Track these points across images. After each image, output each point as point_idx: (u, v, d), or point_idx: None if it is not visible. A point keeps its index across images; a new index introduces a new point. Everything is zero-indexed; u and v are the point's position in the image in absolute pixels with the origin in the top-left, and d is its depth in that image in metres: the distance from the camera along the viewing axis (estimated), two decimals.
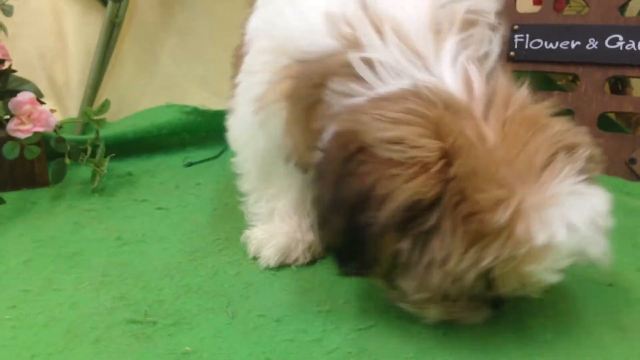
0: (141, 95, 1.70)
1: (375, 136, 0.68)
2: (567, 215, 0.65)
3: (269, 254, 0.97)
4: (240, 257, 1.01)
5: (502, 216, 0.64)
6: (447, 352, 0.75)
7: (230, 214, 1.17)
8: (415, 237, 0.68)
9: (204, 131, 1.57)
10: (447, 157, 0.66)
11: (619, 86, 1.47)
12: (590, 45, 1.35)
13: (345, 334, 0.79)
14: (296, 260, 0.97)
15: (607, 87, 1.47)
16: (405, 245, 0.68)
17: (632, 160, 1.31)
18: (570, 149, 0.69)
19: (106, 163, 1.31)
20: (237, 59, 1.02)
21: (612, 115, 1.46)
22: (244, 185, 1.04)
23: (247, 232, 1.02)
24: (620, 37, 1.33)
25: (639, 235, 1.05)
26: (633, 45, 1.32)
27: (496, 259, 0.65)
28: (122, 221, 1.17)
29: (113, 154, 1.36)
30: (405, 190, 0.65)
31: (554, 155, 0.68)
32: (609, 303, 0.86)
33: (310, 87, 0.78)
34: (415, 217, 0.67)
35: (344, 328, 0.80)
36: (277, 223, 1.00)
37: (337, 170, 0.70)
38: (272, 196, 1.01)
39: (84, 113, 1.26)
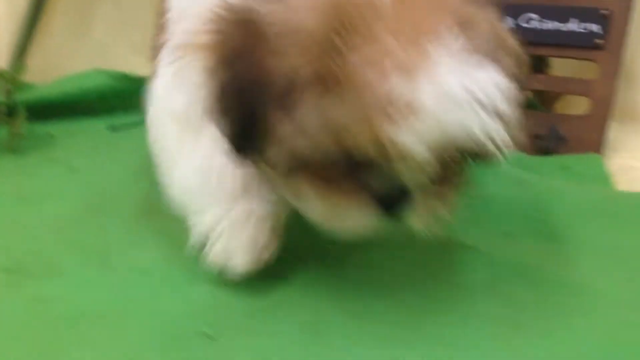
0: (72, 61, 1.70)
1: (260, 15, 0.67)
2: (441, 81, 0.61)
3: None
4: (129, 216, 1.03)
5: (368, 74, 0.61)
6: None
7: (138, 176, 1.19)
8: (289, 108, 0.66)
9: (132, 97, 1.58)
10: (333, 30, 0.63)
11: (539, 65, 1.50)
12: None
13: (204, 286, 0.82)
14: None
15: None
16: (280, 116, 0.66)
17: (538, 136, 1.34)
18: (470, 25, 0.65)
19: (21, 123, 1.32)
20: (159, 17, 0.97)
21: (528, 93, 1.49)
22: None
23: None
24: (535, 17, 1.35)
25: (514, 203, 1.08)
26: (546, 24, 1.34)
27: (351, 115, 0.62)
28: (28, 179, 1.20)
29: (29, 116, 1.37)
30: (287, 65, 0.64)
31: (447, 27, 0.63)
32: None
33: None
34: (294, 89, 0.65)
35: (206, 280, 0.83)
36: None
37: (229, 56, 0.69)
38: None
39: None
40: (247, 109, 0.68)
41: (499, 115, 0.63)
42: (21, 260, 0.88)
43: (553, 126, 1.33)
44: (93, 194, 1.13)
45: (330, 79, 0.63)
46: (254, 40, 0.67)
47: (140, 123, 1.55)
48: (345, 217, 0.71)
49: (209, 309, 0.78)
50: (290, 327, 0.75)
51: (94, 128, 1.52)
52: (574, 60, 1.40)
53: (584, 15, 1.32)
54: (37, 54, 1.69)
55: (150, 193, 1.10)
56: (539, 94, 1.48)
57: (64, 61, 1.70)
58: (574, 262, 0.91)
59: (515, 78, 0.66)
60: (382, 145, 0.62)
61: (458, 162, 0.68)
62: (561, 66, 1.48)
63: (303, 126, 0.64)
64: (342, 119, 0.62)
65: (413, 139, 0.61)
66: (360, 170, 0.68)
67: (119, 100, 1.59)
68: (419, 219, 0.71)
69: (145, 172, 1.17)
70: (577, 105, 1.39)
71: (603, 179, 1.22)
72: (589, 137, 1.31)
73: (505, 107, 0.63)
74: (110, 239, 0.95)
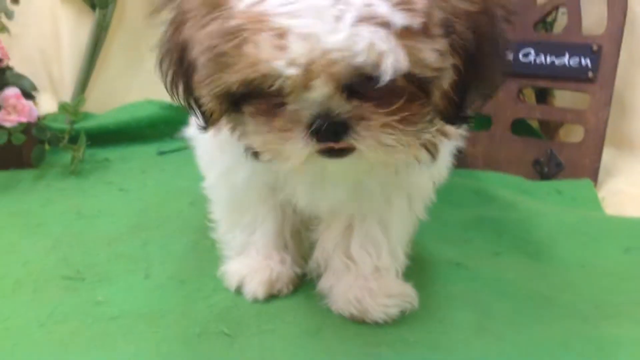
0: (126, 91, 1.92)
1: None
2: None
3: (254, 289, 0.95)
4: (170, 233, 1.20)
5: None
6: None
7: (178, 197, 1.37)
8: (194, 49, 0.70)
9: (178, 125, 1.78)
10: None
11: (543, 97, 1.62)
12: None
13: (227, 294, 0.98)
14: (280, 291, 0.97)
15: (532, 96, 1.62)
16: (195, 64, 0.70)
17: (537, 162, 1.46)
18: None
19: (83, 149, 1.53)
20: None
21: (534, 122, 1.62)
22: (214, 212, 1.03)
23: (225, 267, 1.00)
24: (532, 52, 1.48)
25: (505, 224, 1.22)
26: (543, 58, 1.47)
27: (215, 34, 0.65)
28: (86, 199, 1.39)
29: (89, 142, 1.58)
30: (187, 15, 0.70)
31: None
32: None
33: None
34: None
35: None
36: (255, 257, 0.99)
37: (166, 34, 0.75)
38: (246, 226, 0.99)
39: (61, 107, 1.49)
40: (181, 75, 0.74)
41: (380, 23, 0.60)
42: (79, 269, 1.07)
43: (552, 152, 1.46)
44: (139, 212, 1.31)
45: (207, 9, 0.66)
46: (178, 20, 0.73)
47: (184, 148, 1.76)
48: (284, 150, 0.71)
49: (229, 313, 0.93)
50: (296, 329, 0.89)
51: (145, 153, 1.72)
52: (574, 92, 1.52)
53: (577, 50, 1.45)
54: (95, 87, 1.91)
55: (187, 212, 1.29)
56: (542, 123, 1.60)
57: (118, 92, 1.92)
58: (547, 277, 1.04)
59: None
60: (260, 71, 0.63)
61: (384, 87, 0.65)
62: (563, 97, 1.60)
63: (199, 64, 0.68)
64: (220, 46, 0.64)
65: (282, 62, 0.61)
66: (283, 103, 0.68)
67: (167, 127, 1.78)
68: (366, 151, 0.69)
69: (185, 193, 1.35)
70: (577, 134, 1.51)
71: (593, 202, 1.34)
72: (583, 163, 1.43)
73: (389, 14, 0.60)
74: (152, 252, 1.13)
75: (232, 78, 0.65)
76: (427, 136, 0.74)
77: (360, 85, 0.66)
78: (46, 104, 1.77)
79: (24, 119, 1.44)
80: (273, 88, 0.65)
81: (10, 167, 1.53)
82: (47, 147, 1.51)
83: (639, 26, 1.52)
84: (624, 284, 1.01)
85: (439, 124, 0.74)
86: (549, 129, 1.59)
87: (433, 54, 0.64)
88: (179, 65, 0.74)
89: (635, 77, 1.53)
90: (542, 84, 1.53)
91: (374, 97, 0.67)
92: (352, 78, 0.64)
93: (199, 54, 0.68)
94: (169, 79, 0.77)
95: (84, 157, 1.57)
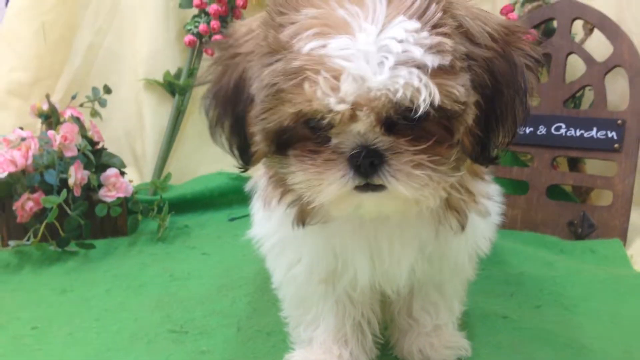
0: (200, 165, 2.16)
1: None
2: (355, 40, 0.70)
3: None
4: (252, 291, 1.39)
5: (295, 41, 0.72)
6: None
7: (253, 258, 1.56)
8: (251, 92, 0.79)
9: (245, 193, 2.00)
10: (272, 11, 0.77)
11: (576, 165, 1.80)
12: (540, 131, 1.70)
13: None
14: None
15: (565, 164, 1.80)
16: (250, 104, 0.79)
17: (571, 223, 1.63)
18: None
19: (168, 218, 1.76)
20: None
21: (568, 187, 1.79)
22: (284, 309, 1.09)
23: (287, 356, 1.06)
24: (563, 125, 1.67)
25: (544, 281, 1.39)
26: (573, 131, 1.66)
27: (278, 72, 0.73)
28: (175, 262, 1.61)
29: (172, 212, 1.81)
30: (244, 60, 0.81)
31: None
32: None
33: None
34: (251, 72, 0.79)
35: None
36: (315, 350, 1.03)
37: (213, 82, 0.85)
38: (310, 323, 1.04)
39: (152, 183, 1.74)
40: (231, 112, 0.82)
41: (416, 65, 0.70)
42: (181, 324, 1.26)
43: (584, 215, 1.63)
44: (223, 273, 1.51)
45: (270, 50, 0.74)
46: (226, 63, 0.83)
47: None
48: (324, 183, 0.77)
49: None
50: None
51: (218, 219, 1.94)
52: (602, 160, 1.70)
53: (604, 124, 1.64)
54: (173, 162, 2.17)
55: (264, 271, 1.47)
56: (575, 188, 1.77)
57: (193, 166, 2.17)
58: (582, 327, 1.20)
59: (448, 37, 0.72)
60: (314, 106, 0.71)
61: (417, 125, 0.75)
62: (593, 165, 1.78)
63: (257, 99, 0.75)
64: (281, 84, 0.72)
65: (335, 99, 0.70)
66: (329, 138, 0.76)
67: (236, 196, 1.99)
68: (397, 187, 0.76)
69: (257, 256, 1.55)
70: (607, 198, 1.68)
71: (622, 260, 1.50)
72: (613, 224, 1.60)
73: (422, 57, 0.69)
74: (240, 308, 1.32)
75: (288, 112, 0.73)
76: (454, 179, 0.81)
77: (396, 123, 0.75)
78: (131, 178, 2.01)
79: (121, 194, 1.68)
80: (323, 122, 0.74)
81: (108, 236, 1.76)
82: (139, 217, 1.75)
83: None
84: None
85: (466, 167, 0.83)
86: (581, 193, 1.76)
87: (460, 88, 0.73)
88: (230, 103, 0.82)
89: None
90: (573, 154, 1.72)
91: (408, 135, 0.76)
92: (391, 111, 0.73)
93: (259, 90, 0.76)
94: (214, 118, 0.86)
95: (168, 225, 1.79)
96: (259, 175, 1.02)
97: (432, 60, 0.70)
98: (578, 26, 1.79)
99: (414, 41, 0.70)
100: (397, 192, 0.76)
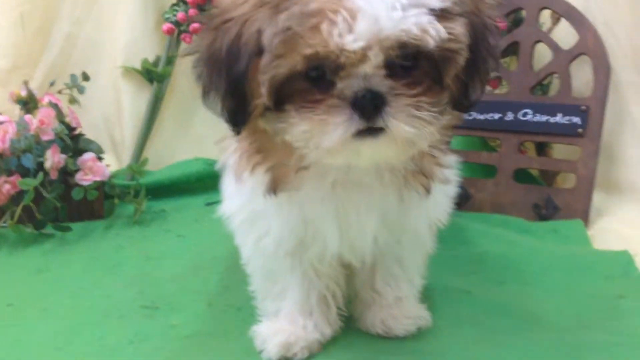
0: (177, 151, 2.19)
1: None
2: None
3: (270, 349, 1.04)
4: (224, 269, 1.43)
5: None
6: None
7: (227, 241, 1.60)
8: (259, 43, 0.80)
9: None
10: None
11: (543, 150, 1.85)
12: (508, 117, 1.75)
13: None
14: (295, 354, 1.03)
15: (533, 149, 1.85)
16: (256, 58, 0.81)
17: (536, 206, 1.68)
18: None
19: (145, 202, 1.79)
20: None
21: (535, 172, 1.84)
22: (252, 283, 1.12)
23: (254, 327, 1.10)
24: (530, 111, 1.72)
25: (507, 258, 1.44)
26: (539, 117, 1.71)
27: (294, 15, 0.76)
28: (151, 244, 1.64)
29: (150, 196, 1.85)
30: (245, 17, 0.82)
31: None
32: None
33: None
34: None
35: None
36: (281, 321, 1.07)
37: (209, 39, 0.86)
38: (277, 295, 1.08)
39: (129, 168, 1.76)
40: (226, 75, 0.83)
41: (424, 6, 0.76)
42: (153, 300, 1.30)
43: (549, 197, 1.68)
44: (196, 254, 1.54)
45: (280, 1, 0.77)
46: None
47: None
48: (329, 127, 0.80)
49: None
50: None
51: (194, 204, 1.96)
52: (567, 145, 1.76)
53: (568, 110, 1.69)
54: (152, 147, 2.19)
55: (236, 253, 1.50)
56: (542, 171, 1.83)
57: (171, 152, 2.20)
58: (541, 301, 1.25)
59: None
60: (330, 46, 0.75)
61: (410, 74, 0.81)
62: (559, 150, 1.84)
63: (269, 47, 0.77)
64: (295, 27, 0.75)
65: (352, 37, 0.74)
66: (332, 82, 0.80)
67: (213, 181, 2.01)
68: (398, 128, 0.80)
69: (232, 237, 1.58)
70: (571, 181, 1.73)
71: (583, 239, 1.55)
72: (576, 206, 1.65)
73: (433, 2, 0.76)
74: (211, 286, 1.36)
75: (303, 53, 0.77)
76: (445, 121, 0.86)
77: (396, 67, 0.80)
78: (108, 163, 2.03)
79: (98, 178, 1.71)
80: (333, 65, 0.78)
81: (84, 219, 1.79)
82: (116, 201, 1.77)
83: (622, 88, 1.76)
84: (599, 303, 1.22)
85: (449, 115, 0.88)
86: (549, 177, 1.82)
87: (460, 29, 0.80)
88: (225, 65, 0.83)
89: (621, 132, 1.76)
90: (539, 139, 1.77)
91: (404, 79, 0.81)
92: (397, 52, 0.78)
93: (270, 38, 0.78)
94: (207, 84, 0.87)
95: (144, 209, 1.82)
96: (228, 153, 1.04)
97: (437, 3, 0.77)
98: (546, 15, 1.84)
99: None
100: (398, 133, 0.80)
